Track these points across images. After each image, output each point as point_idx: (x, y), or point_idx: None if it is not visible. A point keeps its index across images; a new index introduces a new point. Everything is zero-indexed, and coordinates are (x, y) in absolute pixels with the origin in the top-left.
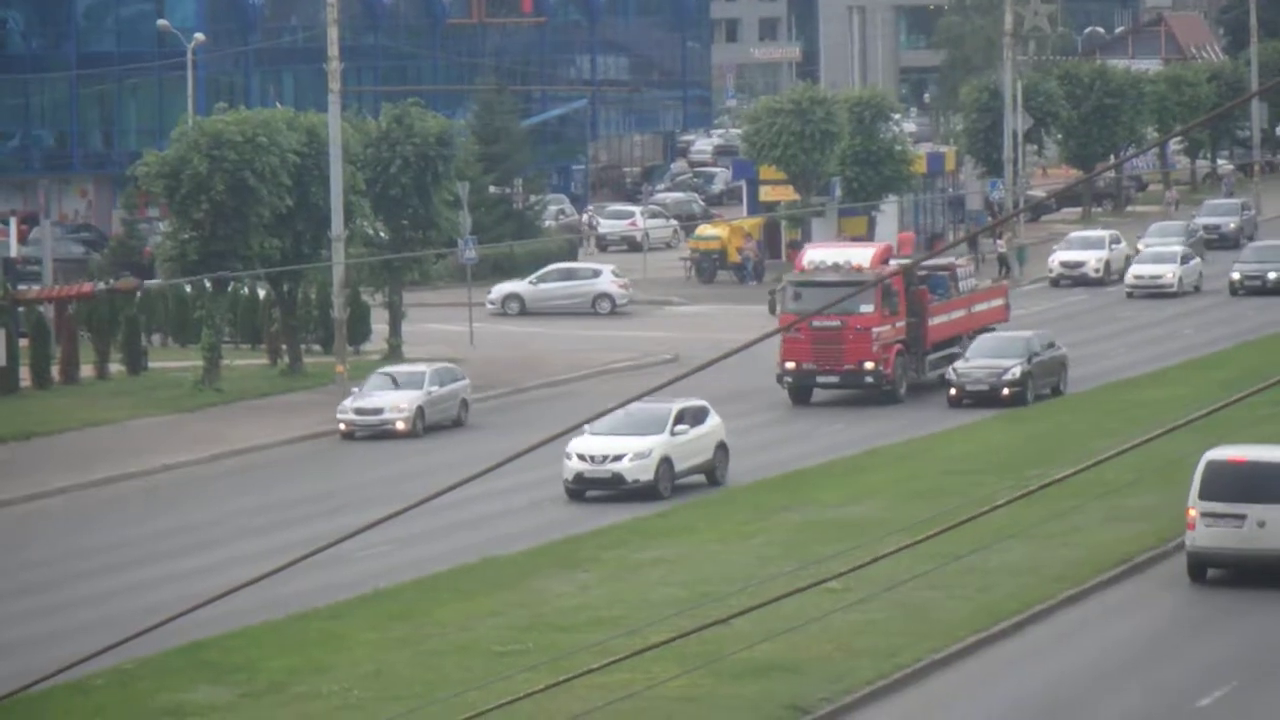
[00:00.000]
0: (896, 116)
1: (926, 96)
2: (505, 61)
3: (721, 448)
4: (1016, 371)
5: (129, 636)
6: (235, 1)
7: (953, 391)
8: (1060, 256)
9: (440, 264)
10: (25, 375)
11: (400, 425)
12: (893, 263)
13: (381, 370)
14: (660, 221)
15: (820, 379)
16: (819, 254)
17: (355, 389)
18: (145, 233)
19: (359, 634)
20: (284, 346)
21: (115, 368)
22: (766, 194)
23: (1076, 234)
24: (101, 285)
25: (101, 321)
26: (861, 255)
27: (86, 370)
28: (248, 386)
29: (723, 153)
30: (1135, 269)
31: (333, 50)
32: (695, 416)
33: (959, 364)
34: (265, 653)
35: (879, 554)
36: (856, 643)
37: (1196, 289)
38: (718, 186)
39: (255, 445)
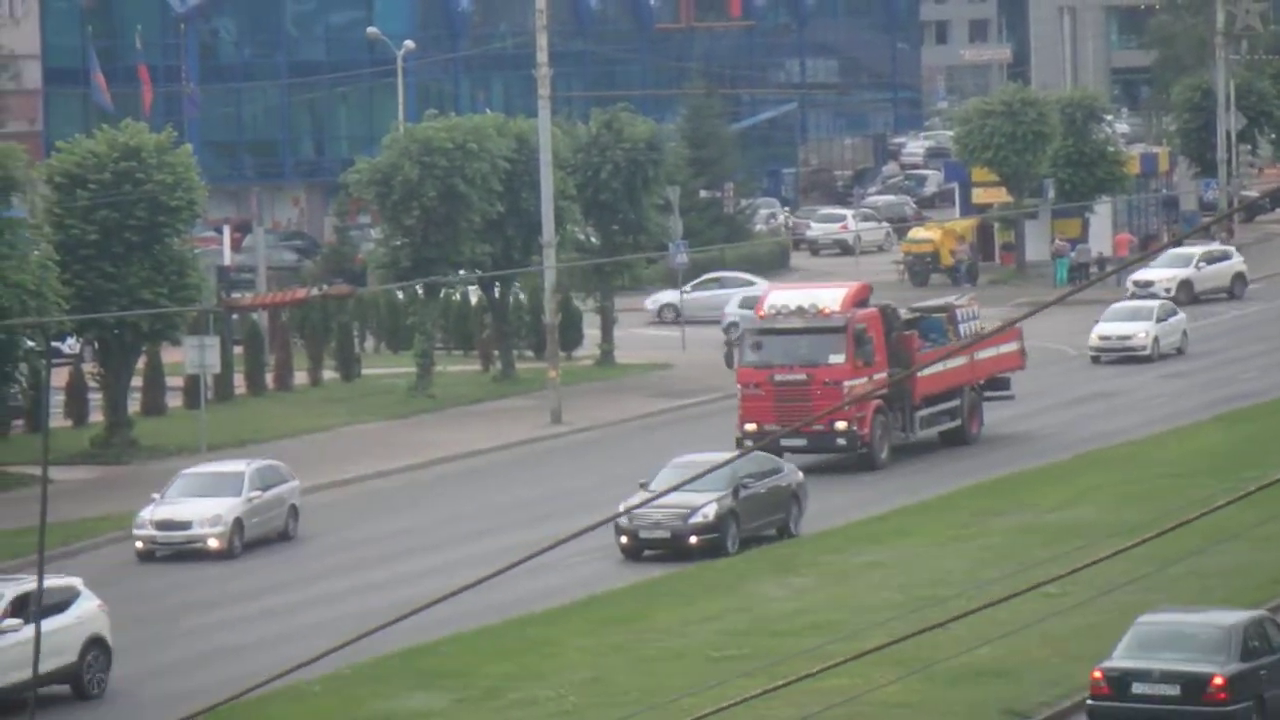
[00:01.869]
0: (1109, 117)
1: (1139, 97)
2: (714, 65)
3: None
4: (711, 511)
5: (341, 644)
6: (444, 8)
7: (624, 540)
8: (1101, 330)
9: (651, 268)
10: (240, 382)
11: (213, 543)
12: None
13: (190, 471)
14: (872, 224)
15: (784, 442)
16: (781, 297)
17: (155, 495)
18: (357, 239)
19: (574, 640)
20: (496, 352)
21: (329, 374)
22: (979, 196)
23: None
24: (315, 291)
25: (315, 328)
26: (830, 298)
27: (300, 377)
28: (460, 392)
29: (934, 155)
30: (1100, 328)
31: (542, 56)
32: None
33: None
34: (481, 659)
35: (1096, 557)
36: (1073, 647)
37: (1179, 351)
38: (929, 189)
39: (469, 451)
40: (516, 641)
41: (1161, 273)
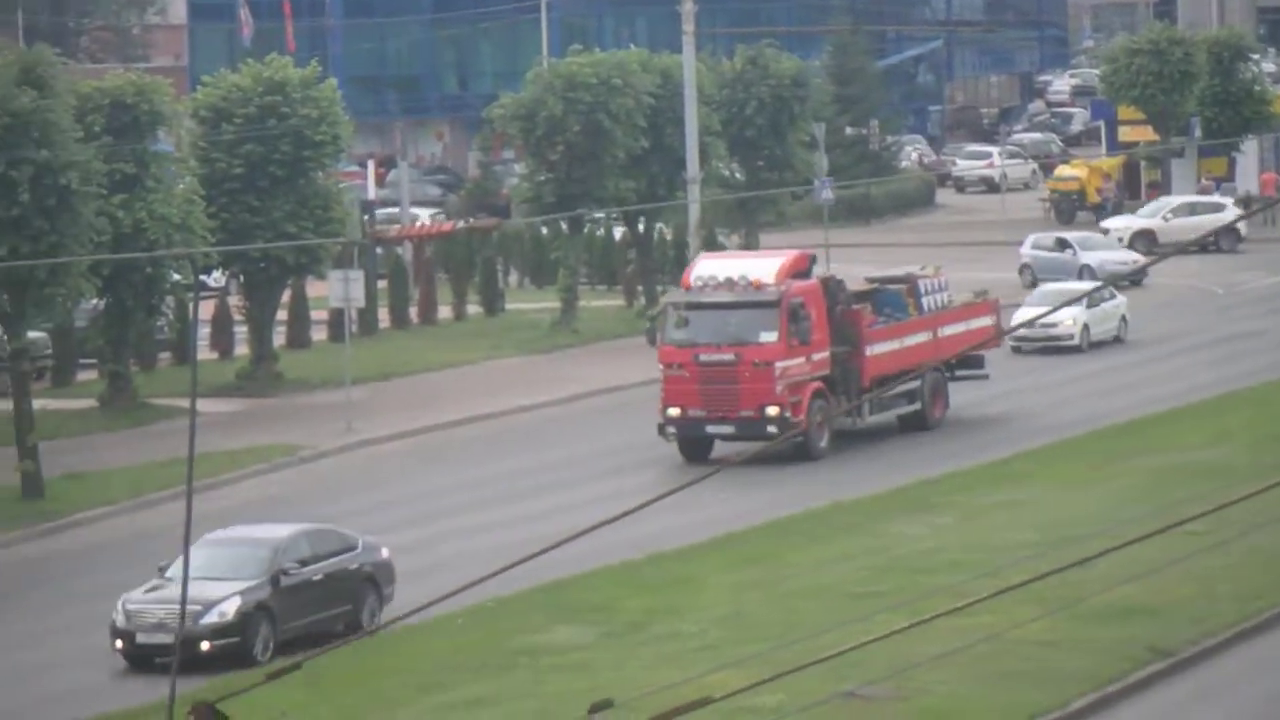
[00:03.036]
0: (1255, 57)
1: None
2: (859, 2)
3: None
4: (231, 608)
5: (486, 576)
6: None
7: (119, 644)
8: (1020, 315)
9: (796, 205)
10: (384, 316)
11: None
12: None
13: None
14: (1018, 162)
15: (710, 429)
16: (710, 266)
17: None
18: (501, 175)
19: (714, 576)
20: (639, 288)
21: (473, 309)
22: (1125, 134)
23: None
24: (461, 224)
25: (459, 263)
26: (764, 268)
27: (444, 311)
28: (603, 328)
29: (1080, 93)
30: (1021, 313)
31: None
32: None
33: (130, 599)
34: (623, 593)
35: (1240, 495)
36: (1218, 586)
37: (1117, 339)
38: (1076, 127)
39: (611, 386)
40: (657, 577)
41: (1120, 221)
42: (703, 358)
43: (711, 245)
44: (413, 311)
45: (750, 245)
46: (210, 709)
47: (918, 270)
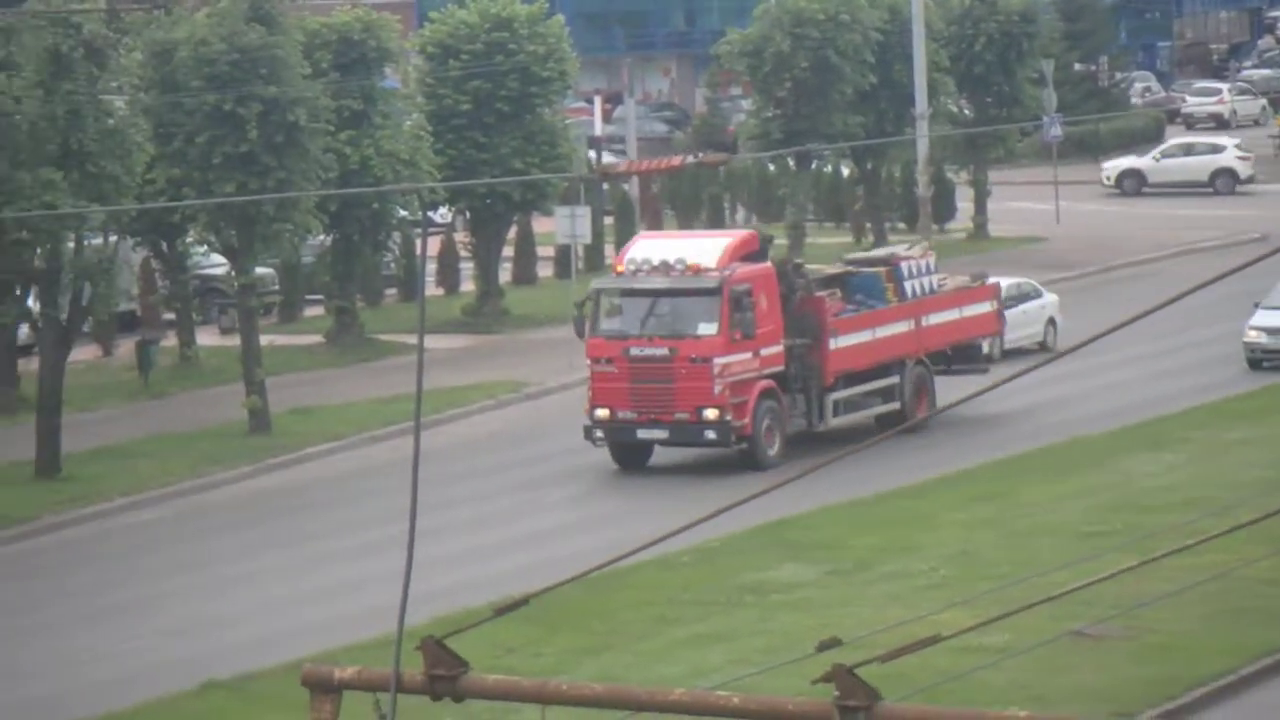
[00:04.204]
0: None
1: None
2: None
3: None
4: None
5: (714, 513)
6: None
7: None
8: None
9: (1024, 141)
10: (610, 253)
11: None
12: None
13: None
14: (1248, 98)
15: (641, 433)
16: (646, 248)
17: None
18: (728, 111)
19: (944, 514)
20: (868, 224)
21: None
22: None
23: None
24: (690, 158)
25: (686, 199)
26: (706, 250)
27: None
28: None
29: None
30: None
31: None
32: None
33: None
34: (850, 531)
35: None
36: None
37: (1042, 347)
38: None
39: None
40: (886, 515)
41: (1112, 162)
42: (634, 352)
43: (940, 183)
44: None
45: (979, 183)
46: (438, 644)
47: (903, 250)
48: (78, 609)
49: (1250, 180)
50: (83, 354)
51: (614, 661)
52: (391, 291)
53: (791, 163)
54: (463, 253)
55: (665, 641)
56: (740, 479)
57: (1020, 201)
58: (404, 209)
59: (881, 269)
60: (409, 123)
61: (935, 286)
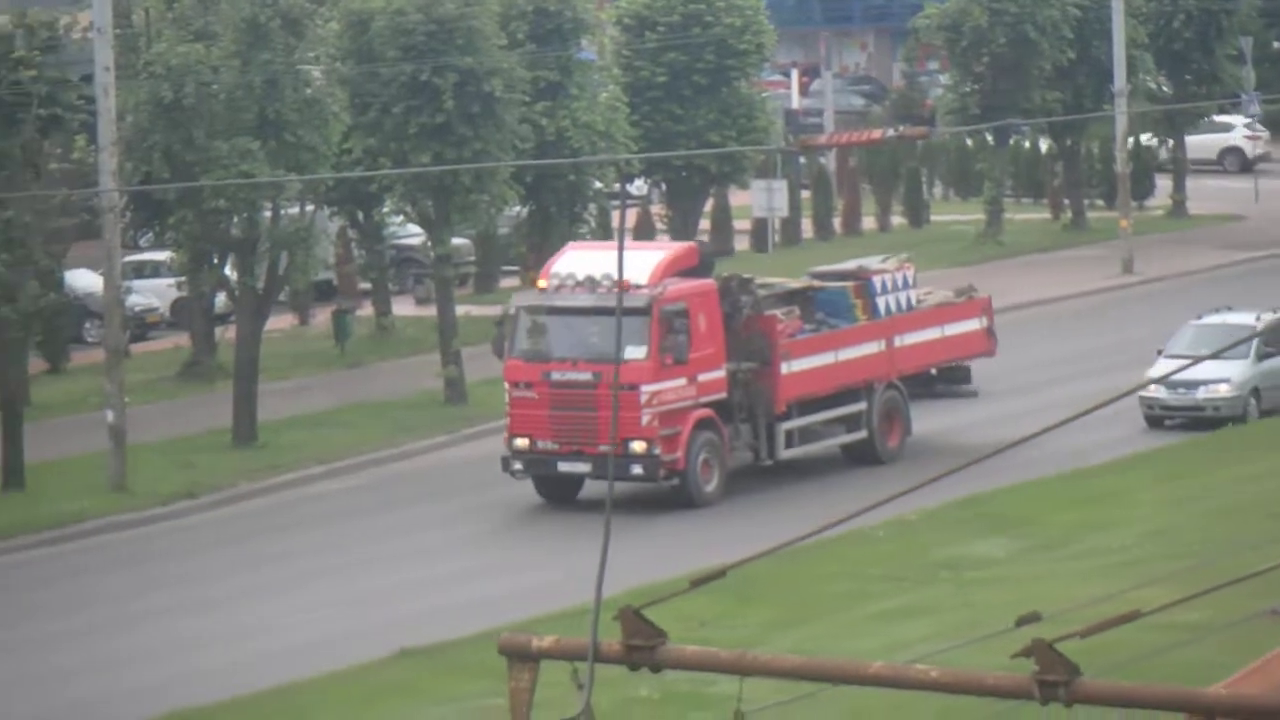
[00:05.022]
0: None
1: None
2: None
3: None
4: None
5: (909, 489)
6: None
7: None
8: None
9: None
10: (807, 226)
11: None
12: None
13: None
14: None
15: (563, 465)
16: (572, 261)
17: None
18: (925, 85)
19: (1138, 492)
20: (1066, 201)
21: (896, 220)
22: None
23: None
24: (891, 132)
25: (883, 173)
26: (637, 264)
27: (868, 222)
28: (1029, 240)
29: None
30: None
31: None
32: None
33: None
34: (1046, 507)
35: None
36: None
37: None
38: None
39: (1036, 300)
40: (1082, 491)
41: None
42: (555, 376)
43: (1138, 158)
44: (836, 222)
45: (1178, 159)
46: (636, 614)
47: (876, 262)
48: (273, 575)
49: None
50: (279, 323)
51: (809, 635)
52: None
53: (990, 138)
54: (659, 225)
55: (861, 615)
56: (884, 471)
57: (1218, 180)
58: (600, 181)
59: (850, 284)
60: (605, 94)
61: (913, 303)
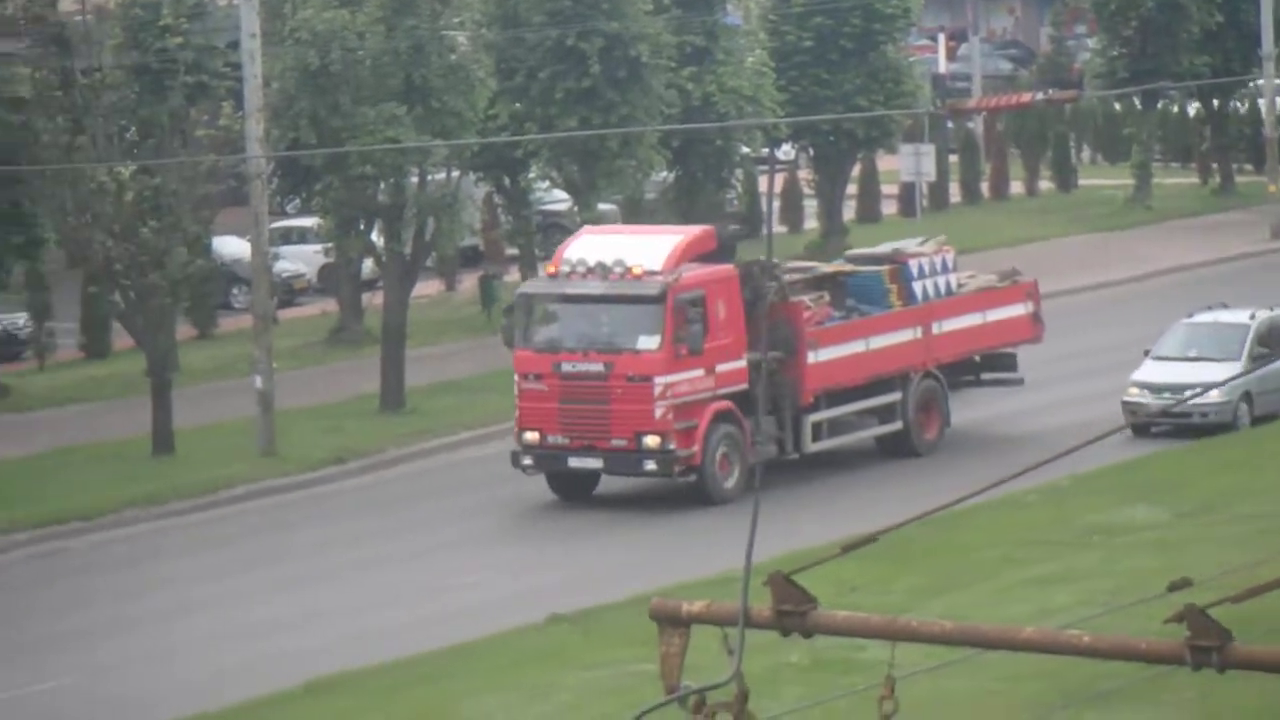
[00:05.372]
0: None
1: None
2: None
3: None
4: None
5: (1061, 452)
6: None
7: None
8: None
9: None
10: (955, 191)
11: None
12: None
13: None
14: None
15: (574, 461)
16: (585, 246)
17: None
18: (1073, 49)
19: None
20: (1214, 165)
21: (1044, 184)
22: None
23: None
24: (1039, 95)
25: (1031, 138)
26: (651, 250)
27: (1016, 186)
28: (1177, 205)
29: None
30: None
31: None
32: None
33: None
34: (1197, 473)
35: None
36: None
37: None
38: None
39: (1184, 265)
40: (1232, 457)
41: None
42: (565, 368)
43: None
44: (984, 186)
45: None
46: (786, 580)
47: (914, 245)
48: (423, 541)
49: None
50: (426, 289)
51: (959, 600)
52: (736, 228)
53: (1138, 102)
54: (806, 190)
55: (1010, 581)
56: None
57: None
58: (747, 146)
59: (885, 268)
60: (751, 59)
61: (953, 287)
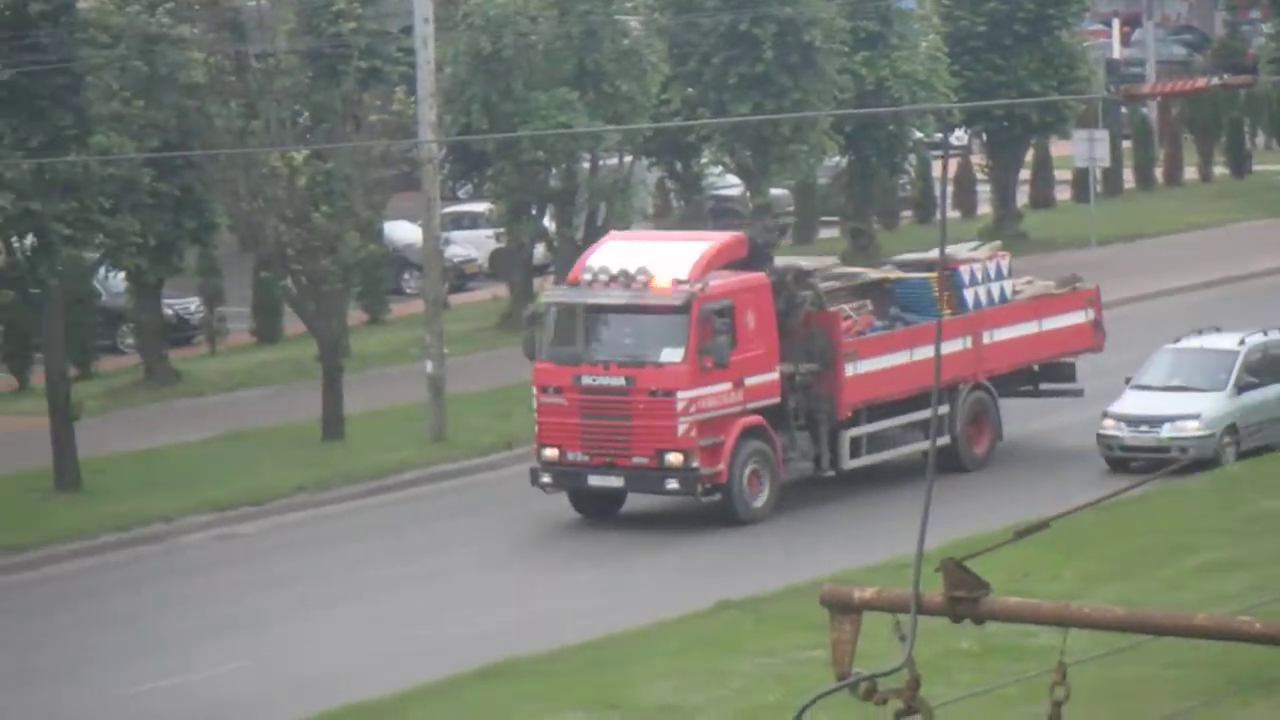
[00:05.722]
0: None
1: None
2: None
3: None
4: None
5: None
6: None
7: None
8: None
9: None
10: (1128, 177)
11: None
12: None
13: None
14: None
15: (594, 479)
16: (608, 254)
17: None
18: (1248, 35)
19: None
20: None
21: (1219, 170)
22: None
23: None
24: (1214, 80)
25: (1205, 123)
26: (677, 258)
27: (1190, 172)
28: None
29: None
30: None
31: None
32: None
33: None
34: None
35: None
36: None
37: None
38: None
39: None
40: None
41: None
42: (585, 381)
43: None
44: (1157, 172)
45: None
46: (959, 565)
47: (966, 250)
48: (594, 528)
49: None
50: None
51: (1131, 587)
52: (907, 213)
53: None
54: (979, 175)
55: (1182, 569)
56: None
57: None
58: (920, 131)
59: (934, 275)
60: (925, 44)
61: (1008, 294)
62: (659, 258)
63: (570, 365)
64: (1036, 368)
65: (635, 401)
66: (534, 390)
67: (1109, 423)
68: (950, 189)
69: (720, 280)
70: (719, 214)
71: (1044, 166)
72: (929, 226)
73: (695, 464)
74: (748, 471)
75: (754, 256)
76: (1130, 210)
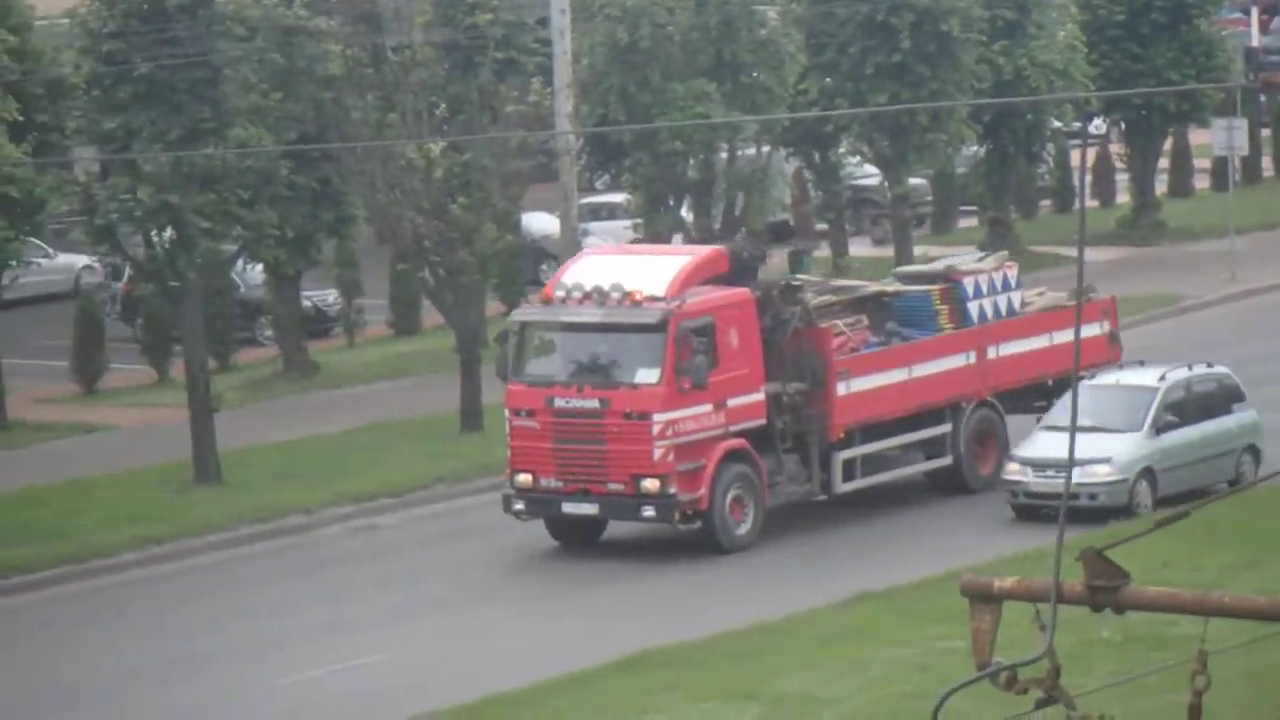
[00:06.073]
0: None
1: None
2: None
3: None
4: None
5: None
6: None
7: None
8: None
9: None
10: (1267, 165)
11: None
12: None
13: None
14: None
15: (567, 506)
16: (584, 270)
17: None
18: None
19: None
20: None
21: None
22: None
23: None
24: None
25: None
26: (655, 273)
27: None
28: None
29: None
30: None
31: None
32: None
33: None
34: None
35: None
36: None
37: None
38: None
39: None
40: None
41: None
42: (558, 403)
43: None
44: None
45: None
46: (1099, 555)
47: (971, 261)
48: None
49: None
50: None
51: (1270, 576)
52: (1045, 203)
53: None
54: (1118, 164)
55: None
56: None
57: None
58: (1058, 120)
59: (936, 288)
60: (1063, 33)
61: (1015, 307)
62: (635, 274)
63: (543, 387)
64: (1051, 382)
65: (609, 425)
66: (506, 413)
67: (1013, 467)
68: (1089, 178)
69: (699, 297)
70: (856, 203)
71: (1182, 155)
72: (1067, 215)
73: (673, 490)
74: (730, 498)
75: (737, 271)
76: (1269, 198)
